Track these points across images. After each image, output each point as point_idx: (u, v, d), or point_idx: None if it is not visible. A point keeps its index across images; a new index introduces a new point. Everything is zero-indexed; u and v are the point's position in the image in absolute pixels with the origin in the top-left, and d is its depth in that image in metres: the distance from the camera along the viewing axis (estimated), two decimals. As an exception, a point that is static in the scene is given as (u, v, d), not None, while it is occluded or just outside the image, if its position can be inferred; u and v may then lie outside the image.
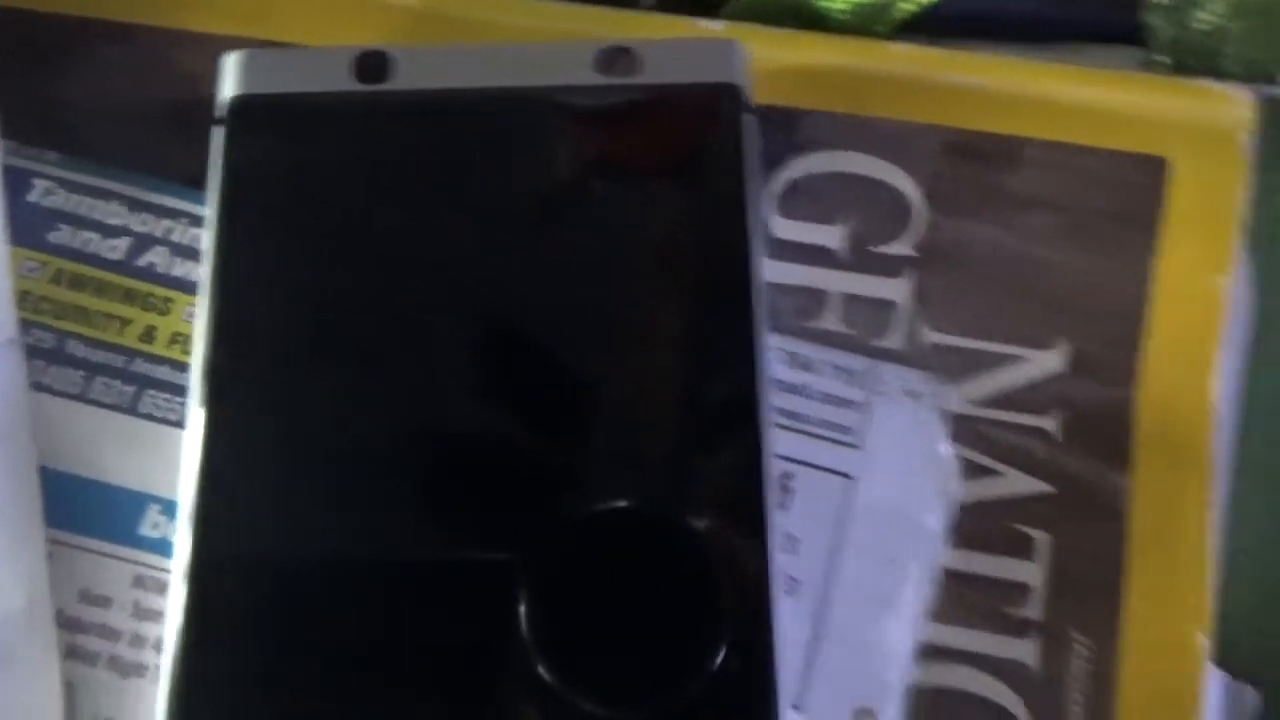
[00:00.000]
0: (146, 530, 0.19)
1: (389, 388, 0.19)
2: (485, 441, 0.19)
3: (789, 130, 0.22)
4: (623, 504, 0.18)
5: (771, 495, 0.18)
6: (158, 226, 0.21)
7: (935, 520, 0.20)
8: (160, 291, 0.20)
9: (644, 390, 0.19)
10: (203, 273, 0.19)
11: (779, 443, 0.20)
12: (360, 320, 0.19)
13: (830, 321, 0.21)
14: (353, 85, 0.20)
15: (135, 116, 0.22)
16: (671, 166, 0.20)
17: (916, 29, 0.24)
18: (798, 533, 0.19)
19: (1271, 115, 0.21)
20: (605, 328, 0.19)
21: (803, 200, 0.21)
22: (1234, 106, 0.21)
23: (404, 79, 0.20)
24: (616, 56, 0.20)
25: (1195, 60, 0.22)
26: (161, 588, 0.19)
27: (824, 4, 0.24)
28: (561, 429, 0.19)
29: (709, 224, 0.20)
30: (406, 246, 0.19)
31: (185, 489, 0.18)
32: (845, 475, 0.20)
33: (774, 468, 0.19)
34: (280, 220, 0.19)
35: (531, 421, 0.19)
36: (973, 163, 0.21)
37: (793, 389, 0.20)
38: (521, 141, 0.20)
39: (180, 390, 0.20)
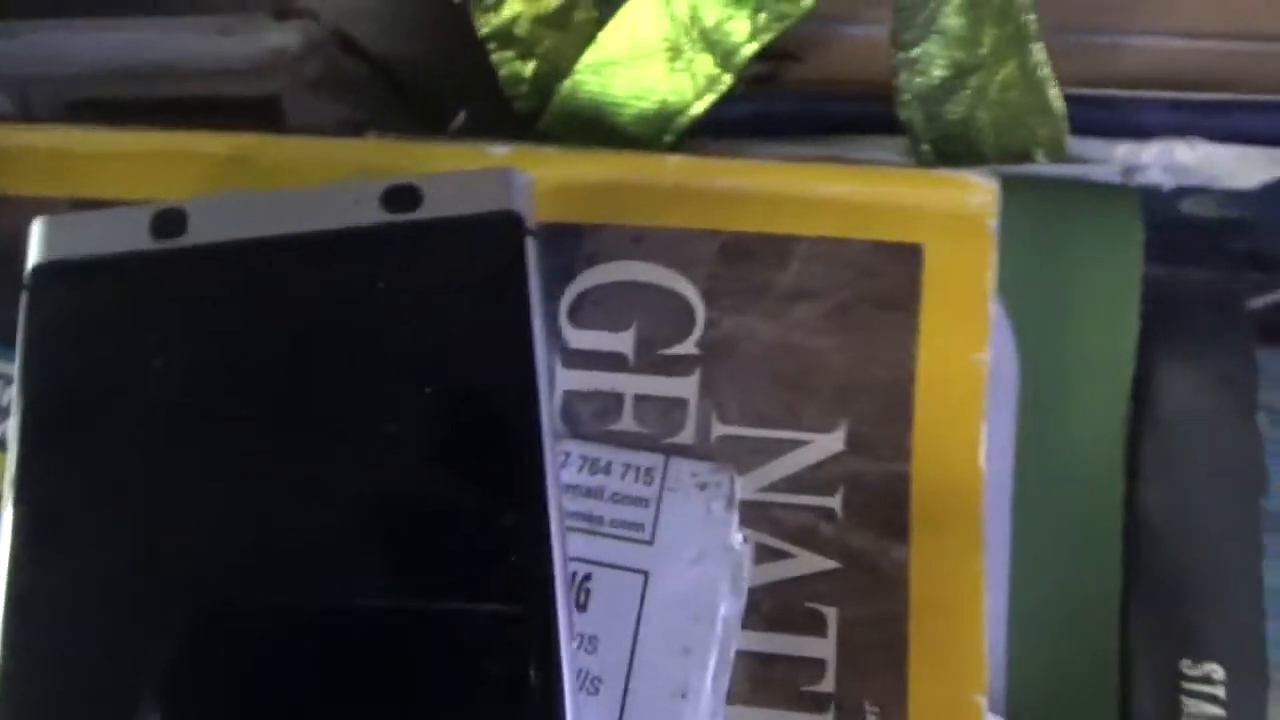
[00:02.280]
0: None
1: (194, 535, 0.19)
2: (282, 570, 0.19)
3: (577, 245, 0.23)
4: (412, 608, 0.19)
5: (566, 600, 0.19)
6: (-23, 389, 0.22)
7: (729, 606, 0.21)
8: (-20, 452, 0.22)
9: (440, 510, 0.20)
10: (9, 435, 0.20)
11: (576, 546, 0.21)
12: (165, 473, 0.20)
13: (625, 423, 0.22)
14: (150, 244, 0.21)
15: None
16: (459, 295, 0.21)
17: (704, 133, 0.25)
18: (598, 632, 0.20)
19: (1019, 191, 0.23)
20: (401, 452, 0.20)
21: (593, 310, 0.23)
22: (979, 193, 0.22)
23: (199, 233, 0.21)
24: (401, 193, 0.22)
25: (954, 146, 0.24)
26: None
27: (616, 119, 0.25)
28: (358, 553, 0.20)
29: (496, 345, 0.21)
30: (207, 398, 0.20)
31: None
32: (640, 571, 0.21)
33: (568, 573, 0.20)
34: (78, 385, 0.20)
35: (329, 549, 0.20)
36: (745, 262, 0.22)
37: (589, 492, 0.21)
38: (314, 285, 0.21)
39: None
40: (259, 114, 0.30)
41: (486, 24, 0.26)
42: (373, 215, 0.21)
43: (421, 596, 0.19)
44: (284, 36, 0.29)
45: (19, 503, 0.19)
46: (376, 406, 0.20)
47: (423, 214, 0.21)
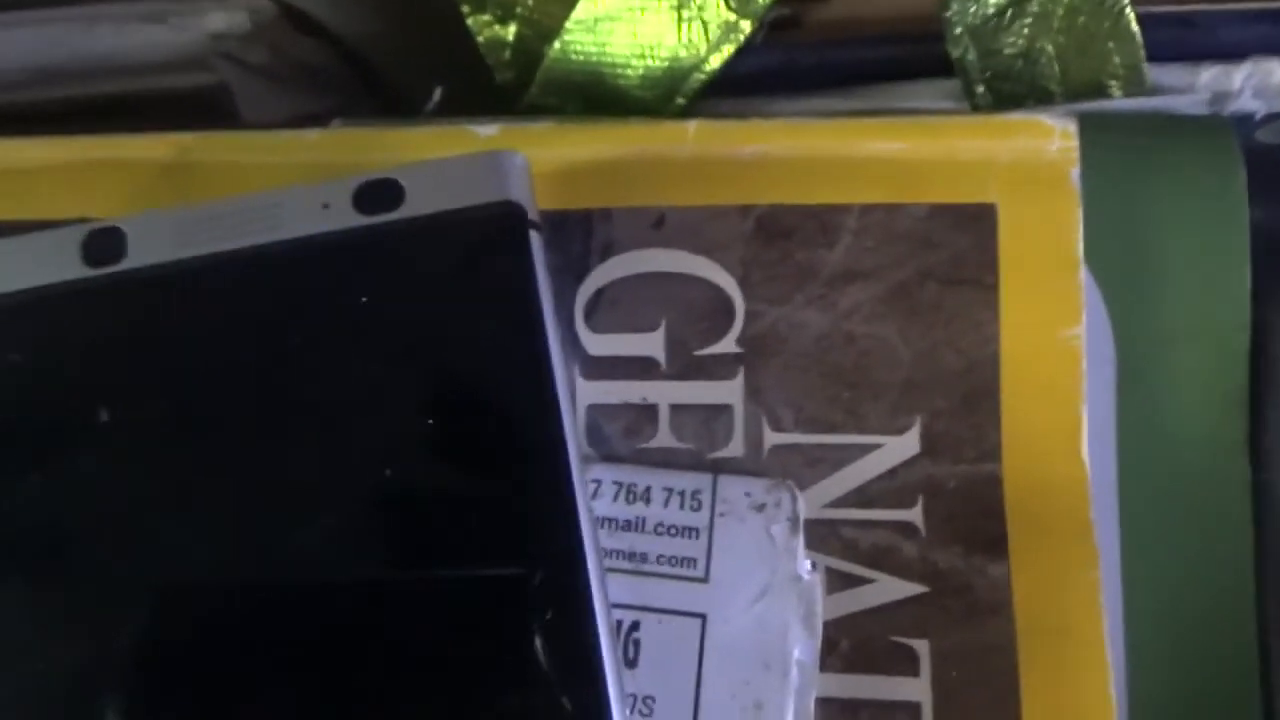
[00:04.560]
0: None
1: (161, 565, 0.17)
2: (270, 632, 0.17)
3: (588, 235, 0.20)
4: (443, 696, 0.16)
5: (612, 658, 0.16)
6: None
7: (803, 648, 0.18)
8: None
9: (460, 559, 0.17)
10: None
11: (618, 590, 0.18)
12: (128, 520, 0.17)
13: (662, 438, 0.19)
14: (83, 271, 0.18)
15: None
16: (456, 304, 0.18)
17: (721, 91, 0.22)
18: (653, 691, 0.17)
19: (1095, 131, 0.19)
20: (403, 501, 0.17)
21: (614, 310, 0.19)
22: (1057, 138, 0.19)
23: (141, 254, 0.18)
24: (377, 190, 0.18)
25: (1014, 86, 0.21)
26: None
27: (616, 82, 0.22)
28: (365, 612, 0.17)
29: (505, 361, 0.18)
30: (173, 445, 0.17)
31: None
32: (697, 615, 0.18)
33: (613, 623, 0.17)
34: (14, 446, 0.17)
35: (328, 606, 0.17)
36: (785, 241, 0.19)
37: (628, 525, 0.18)
38: (284, 305, 0.18)
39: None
40: (207, 111, 0.27)
41: (458, -16, 0.23)
42: (346, 219, 0.18)
43: (438, 670, 0.17)
44: (227, 18, 0.26)
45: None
46: (370, 446, 0.17)
47: (404, 213, 0.18)
